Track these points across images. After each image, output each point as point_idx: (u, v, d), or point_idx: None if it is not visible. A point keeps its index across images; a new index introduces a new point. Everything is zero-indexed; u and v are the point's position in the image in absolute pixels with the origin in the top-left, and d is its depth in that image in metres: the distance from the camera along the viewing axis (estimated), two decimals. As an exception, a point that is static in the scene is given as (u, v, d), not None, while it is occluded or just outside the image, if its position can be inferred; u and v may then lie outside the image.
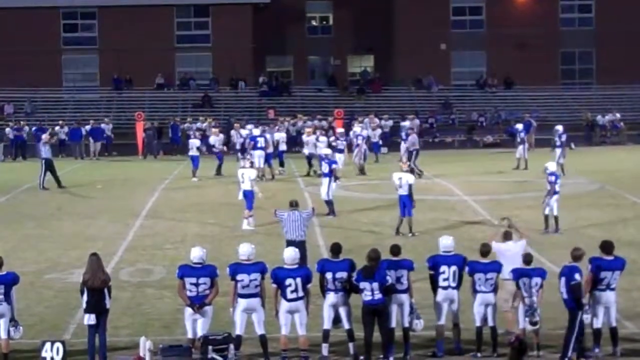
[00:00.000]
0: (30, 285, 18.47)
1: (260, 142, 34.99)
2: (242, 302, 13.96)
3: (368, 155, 39.30)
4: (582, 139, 49.55)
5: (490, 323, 14.22)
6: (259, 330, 14.01)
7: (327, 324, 14.13)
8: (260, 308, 14.01)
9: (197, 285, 13.91)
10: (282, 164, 37.52)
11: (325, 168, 26.58)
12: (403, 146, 37.48)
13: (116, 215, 27.14)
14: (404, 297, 14.23)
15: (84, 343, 14.13)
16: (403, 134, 39.31)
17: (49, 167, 33.45)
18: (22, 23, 56.84)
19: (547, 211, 23.27)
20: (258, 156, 33.99)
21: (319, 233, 23.28)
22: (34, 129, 47.55)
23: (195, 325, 13.99)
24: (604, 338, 14.02)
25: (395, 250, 14.43)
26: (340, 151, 34.97)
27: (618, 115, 52.13)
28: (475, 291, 14.28)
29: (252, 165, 27.37)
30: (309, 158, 36.35)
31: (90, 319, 13.91)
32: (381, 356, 13.90)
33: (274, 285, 13.96)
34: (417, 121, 49.59)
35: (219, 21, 59.08)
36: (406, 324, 14.23)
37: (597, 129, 51.90)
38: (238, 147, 36.58)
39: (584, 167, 37.19)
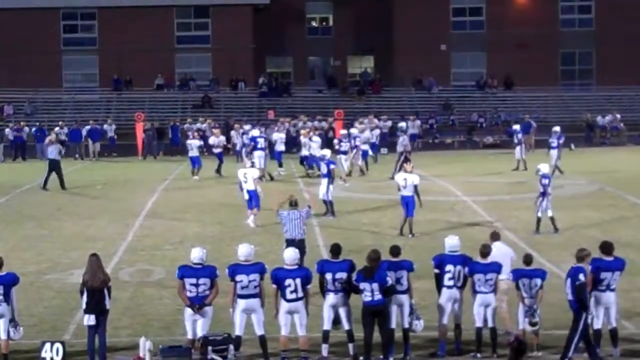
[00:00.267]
0: (30, 285, 18.46)
1: (261, 142, 35.03)
2: (241, 303, 13.96)
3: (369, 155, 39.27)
4: (582, 140, 49.55)
5: (489, 324, 14.22)
6: (259, 330, 14.01)
7: (326, 325, 14.14)
8: (259, 309, 14.01)
9: (197, 285, 13.91)
10: (280, 165, 37.48)
11: (324, 169, 26.62)
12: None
13: (116, 216, 27.13)
14: (404, 298, 14.23)
15: (83, 344, 14.13)
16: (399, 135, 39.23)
17: (54, 167, 32.99)
18: (22, 24, 56.89)
19: (539, 213, 23.17)
20: (258, 157, 33.96)
21: (318, 233, 23.29)
22: (33, 129, 47.59)
23: (195, 326, 13.99)
24: (604, 339, 14.03)
25: (395, 251, 14.44)
26: (344, 153, 35.04)
27: (618, 116, 52.06)
28: (475, 292, 14.30)
29: (252, 165, 27.37)
30: (303, 159, 36.33)
31: (90, 319, 13.90)
32: (381, 357, 13.90)
33: (274, 286, 13.97)
34: (417, 122, 49.68)
35: (219, 22, 59.11)
36: (406, 325, 14.23)
37: (597, 129, 51.85)
38: (238, 147, 36.52)
39: (584, 167, 37.19)
